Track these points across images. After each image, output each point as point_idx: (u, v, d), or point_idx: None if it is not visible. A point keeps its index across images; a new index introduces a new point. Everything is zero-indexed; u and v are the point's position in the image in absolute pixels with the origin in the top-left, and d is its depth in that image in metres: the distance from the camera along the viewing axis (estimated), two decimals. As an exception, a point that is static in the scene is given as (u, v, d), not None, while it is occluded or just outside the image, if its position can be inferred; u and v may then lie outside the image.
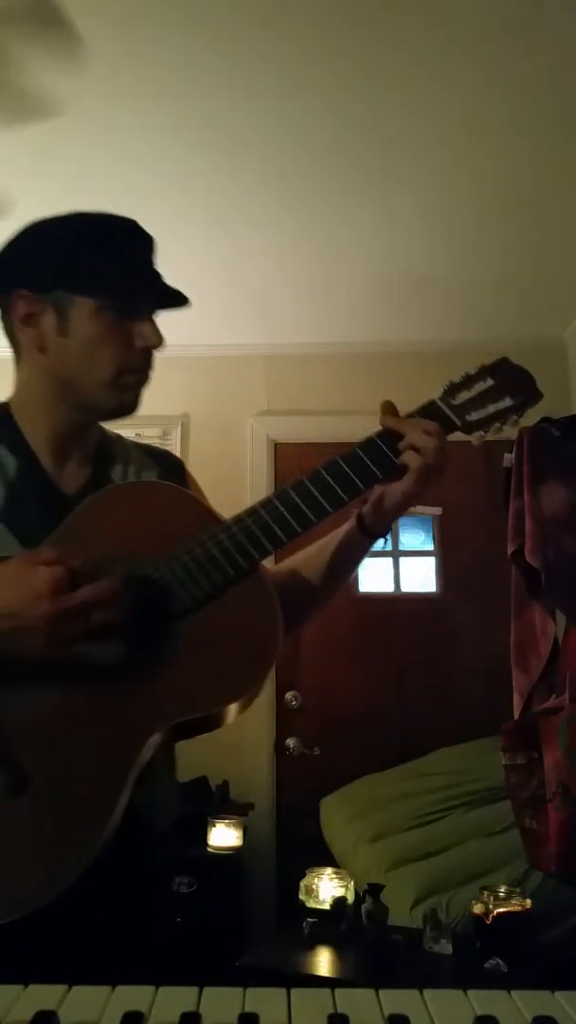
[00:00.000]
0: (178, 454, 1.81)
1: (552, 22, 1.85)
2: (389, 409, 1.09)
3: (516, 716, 2.42)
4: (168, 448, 1.47)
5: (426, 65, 2.00)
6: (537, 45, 1.92)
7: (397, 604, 3.38)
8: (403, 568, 3.41)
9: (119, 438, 1.25)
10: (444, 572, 3.38)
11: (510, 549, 2.46)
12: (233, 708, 0.98)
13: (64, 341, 1.08)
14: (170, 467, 1.25)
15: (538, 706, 2.35)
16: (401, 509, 1.10)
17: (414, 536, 3.45)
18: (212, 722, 1.00)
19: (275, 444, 3.44)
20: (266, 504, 1.02)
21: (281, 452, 3.45)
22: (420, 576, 3.43)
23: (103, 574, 0.94)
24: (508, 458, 2.68)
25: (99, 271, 1.07)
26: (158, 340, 1.09)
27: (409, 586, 3.41)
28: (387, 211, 2.62)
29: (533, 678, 2.41)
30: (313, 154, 2.34)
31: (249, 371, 3.42)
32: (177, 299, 1.14)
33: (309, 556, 1.20)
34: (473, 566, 3.28)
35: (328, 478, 1.03)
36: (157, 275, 1.12)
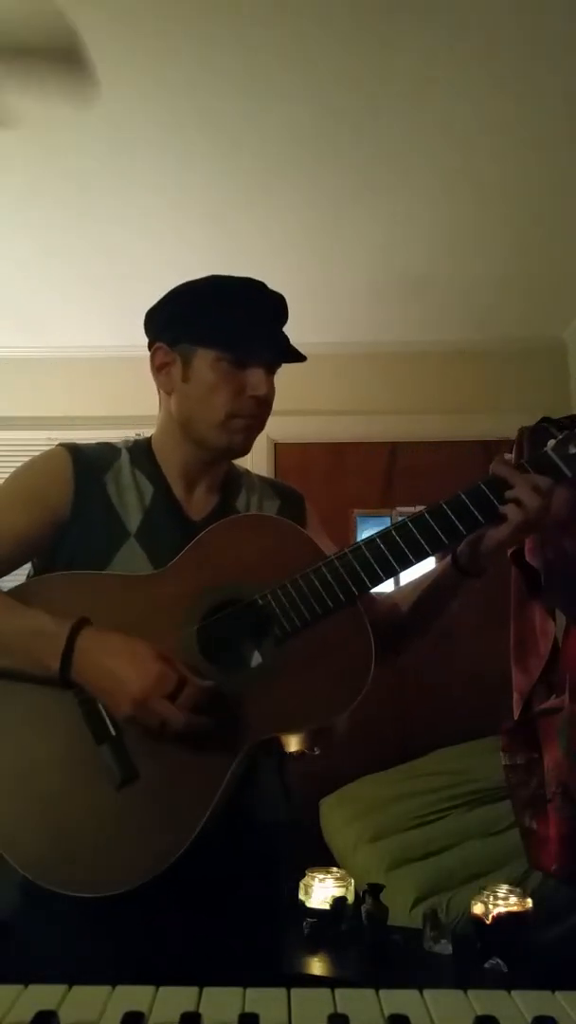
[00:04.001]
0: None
1: (553, 22, 1.85)
2: (502, 460, 1.14)
3: (516, 716, 2.42)
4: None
5: (426, 66, 1.99)
6: (538, 46, 1.92)
7: (397, 604, 3.38)
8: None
9: (247, 472, 1.37)
10: (444, 572, 3.38)
11: (510, 549, 2.46)
12: (333, 727, 1.09)
13: (186, 387, 1.21)
14: (291, 500, 1.36)
15: (538, 706, 2.35)
16: (496, 555, 1.13)
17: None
18: (317, 739, 1.12)
19: (275, 444, 3.44)
20: (369, 543, 1.10)
21: (281, 452, 3.45)
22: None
23: (212, 597, 1.09)
24: (508, 458, 2.67)
25: (218, 326, 1.19)
26: (265, 390, 1.19)
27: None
28: (387, 212, 2.62)
29: (533, 678, 2.41)
30: (314, 155, 2.34)
31: (249, 371, 3.41)
32: (296, 356, 1.23)
33: (408, 590, 1.26)
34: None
35: (432, 522, 1.09)
36: (276, 331, 1.23)
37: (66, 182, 2.42)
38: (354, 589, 1.08)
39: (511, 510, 1.08)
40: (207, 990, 0.66)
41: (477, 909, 2.05)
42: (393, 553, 1.09)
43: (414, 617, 1.25)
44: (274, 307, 1.24)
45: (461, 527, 1.09)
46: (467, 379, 3.44)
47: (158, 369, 1.26)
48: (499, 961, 1.95)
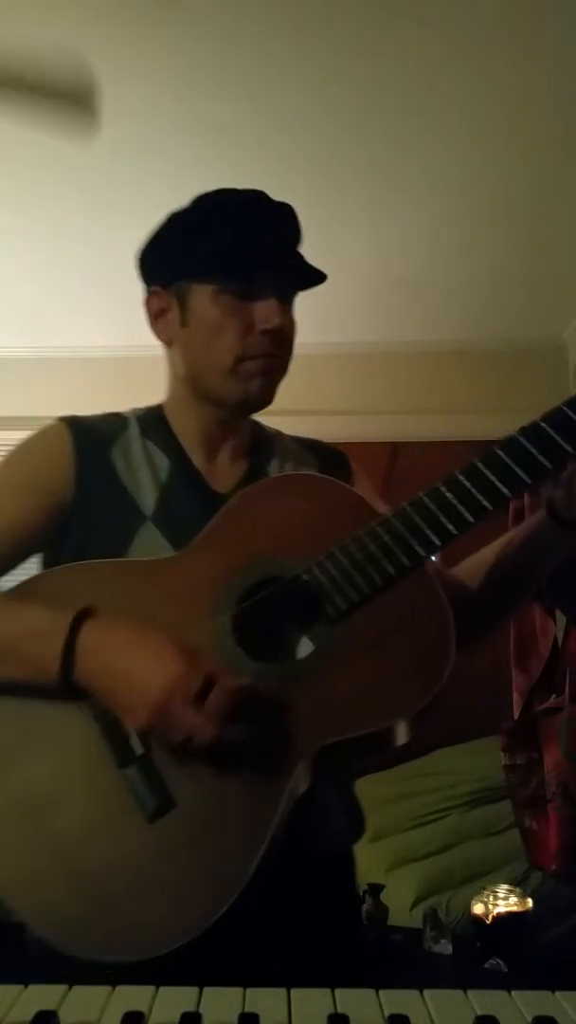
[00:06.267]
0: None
1: (550, 24, 1.85)
2: None
3: (516, 716, 2.42)
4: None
5: (424, 67, 1.99)
6: (535, 47, 1.92)
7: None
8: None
9: (277, 434, 1.17)
10: (444, 572, 3.38)
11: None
12: (403, 725, 0.86)
13: (186, 332, 1.03)
14: (332, 461, 1.15)
15: (538, 706, 2.35)
16: None
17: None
18: (384, 741, 0.87)
19: (275, 444, 3.43)
20: (431, 492, 0.89)
21: (281, 452, 3.44)
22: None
23: (247, 577, 0.90)
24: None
25: (213, 253, 1.00)
26: (280, 320, 0.99)
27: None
28: (386, 212, 2.62)
29: (533, 678, 2.41)
30: (312, 155, 2.34)
31: (249, 371, 3.41)
32: (314, 277, 1.03)
33: (489, 555, 1.03)
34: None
35: (506, 458, 0.87)
36: (285, 250, 1.02)
37: (67, 184, 2.42)
38: (420, 550, 0.87)
39: None
40: (207, 990, 0.65)
41: (477, 909, 2.05)
42: (465, 500, 0.87)
43: (500, 591, 1.02)
44: (281, 220, 1.04)
45: (545, 461, 0.85)
46: (467, 379, 3.44)
47: (155, 318, 1.07)
48: (499, 961, 1.95)
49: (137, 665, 0.84)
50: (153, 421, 1.10)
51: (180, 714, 0.81)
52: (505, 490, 0.86)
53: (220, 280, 1.00)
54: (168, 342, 1.07)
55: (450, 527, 0.87)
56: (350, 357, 3.45)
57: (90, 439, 1.05)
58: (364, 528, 0.89)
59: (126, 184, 2.44)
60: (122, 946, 0.81)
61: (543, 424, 0.87)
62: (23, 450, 1.07)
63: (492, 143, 2.28)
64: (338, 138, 2.26)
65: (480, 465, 0.88)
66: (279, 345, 1.01)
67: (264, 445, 1.13)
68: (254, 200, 1.04)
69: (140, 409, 1.13)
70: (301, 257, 1.03)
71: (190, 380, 1.05)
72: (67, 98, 1.99)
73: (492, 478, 0.87)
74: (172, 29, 1.88)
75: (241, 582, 0.91)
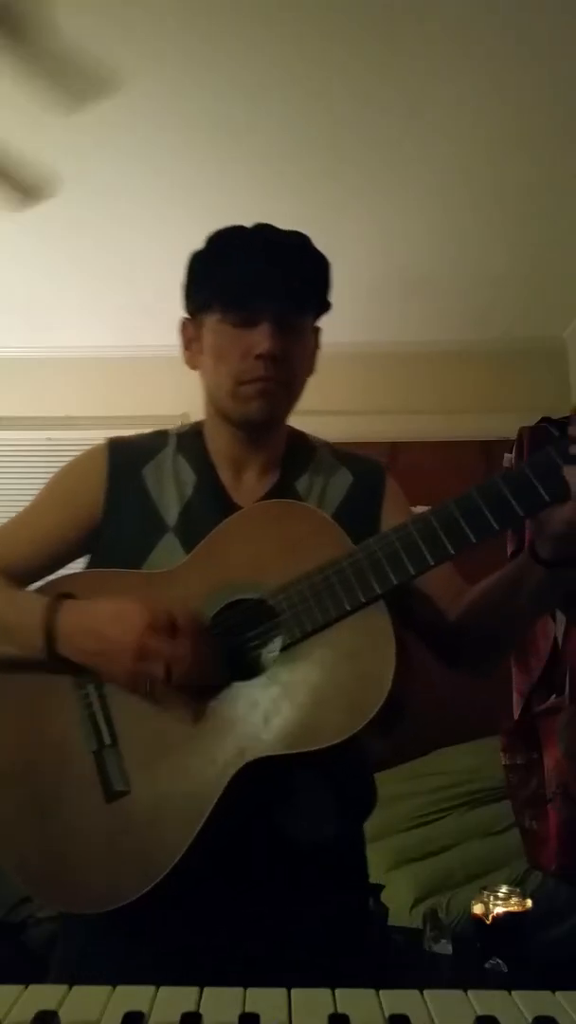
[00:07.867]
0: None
1: (553, 22, 1.85)
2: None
3: (516, 716, 2.43)
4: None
5: (426, 65, 1.99)
6: (538, 45, 1.92)
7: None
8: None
9: (322, 446, 1.21)
10: (444, 572, 3.37)
11: (510, 549, 2.46)
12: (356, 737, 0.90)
13: (202, 358, 1.12)
14: (366, 474, 1.18)
15: (538, 706, 2.35)
16: (565, 539, 0.88)
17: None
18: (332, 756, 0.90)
19: (275, 444, 3.43)
20: (399, 530, 0.92)
21: (281, 452, 3.44)
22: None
23: (224, 595, 0.98)
24: (508, 458, 2.68)
25: (215, 287, 1.08)
26: (268, 346, 1.03)
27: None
28: (387, 211, 2.62)
29: (533, 678, 2.41)
30: (313, 153, 2.34)
31: (249, 371, 3.40)
32: (312, 302, 1.13)
33: (478, 588, 1.07)
34: (472, 566, 3.27)
35: (479, 501, 0.88)
36: (284, 278, 1.07)
37: (68, 183, 2.42)
38: (377, 587, 0.90)
39: (572, 473, 0.84)
40: (207, 990, 0.66)
41: (477, 909, 2.05)
42: (429, 542, 0.89)
43: (481, 621, 1.05)
44: (284, 250, 1.08)
45: (519, 507, 0.87)
46: (467, 379, 3.44)
47: (185, 347, 1.15)
48: (499, 961, 1.95)
49: (112, 623, 0.94)
50: (190, 438, 1.17)
51: (158, 646, 0.91)
52: (471, 535, 0.88)
53: (221, 310, 1.06)
54: (193, 368, 1.14)
55: (409, 567, 0.90)
56: (350, 357, 3.44)
57: (125, 459, 1.13)
58: (330, 560, 0.93)
59: (128, 182, 2.44)
60: (70, 900, 0.95)
61: (526, 469, 0.88)
62: (66, 469, 1.17)
63: (493, 143, 2.28)
64: (340, 137, 2.26)
65: (453, 506, 0.90)
66: (275, 368, 1.05)
67: (299, 459, 1.17)
68: (259, 234, 1.09)
69: (186, 426, 1.20)
70: (307, 285, 1.10)
71: (211, 401, 1.13)
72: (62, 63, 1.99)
73: (461, 520, 0.89)
74: (172, 27, 1.88)
75: (218, 600, 0.98)
